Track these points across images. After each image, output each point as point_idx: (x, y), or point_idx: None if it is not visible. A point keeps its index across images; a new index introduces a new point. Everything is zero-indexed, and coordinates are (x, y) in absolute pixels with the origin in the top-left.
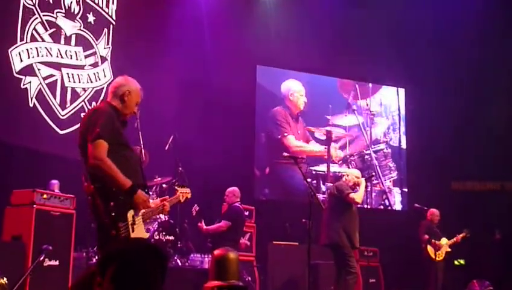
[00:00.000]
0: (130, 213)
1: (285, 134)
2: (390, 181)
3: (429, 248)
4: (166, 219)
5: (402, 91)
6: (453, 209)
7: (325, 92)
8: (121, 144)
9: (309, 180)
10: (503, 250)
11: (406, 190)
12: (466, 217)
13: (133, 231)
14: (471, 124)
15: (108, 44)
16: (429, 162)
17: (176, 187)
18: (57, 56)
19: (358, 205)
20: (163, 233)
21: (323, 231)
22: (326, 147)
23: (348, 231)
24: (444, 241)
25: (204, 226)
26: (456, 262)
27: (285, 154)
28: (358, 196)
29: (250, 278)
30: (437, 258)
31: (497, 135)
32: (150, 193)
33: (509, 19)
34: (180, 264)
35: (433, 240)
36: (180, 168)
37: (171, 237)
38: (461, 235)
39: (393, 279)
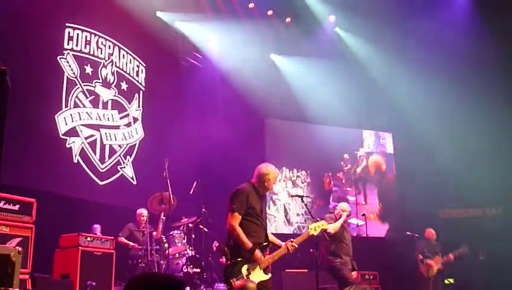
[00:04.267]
0: (244, 268)
1: None
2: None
3: (422, 266)
4: (193, 254)
5: (390, 135)
6: (440, 235)
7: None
8: (253, 215)
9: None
10: (486, 269)
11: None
12: (452, 241)
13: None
14: (452, 160)
15: (139, 107)
16: (418, 194)
17: (309, 223)
18: (96, 119)
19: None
20: (191, 266)
21: (321, 256)
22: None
23: (340, 255)
24: (435, 260)
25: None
26: (446, 281)
27: (292, 194)
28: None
29: None
30: (428, 275)
31: (477, 169)
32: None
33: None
34: None
35: (425, 260)
36: (204, 209)
37: (198, 270)
38: (455, 253)
39: None
